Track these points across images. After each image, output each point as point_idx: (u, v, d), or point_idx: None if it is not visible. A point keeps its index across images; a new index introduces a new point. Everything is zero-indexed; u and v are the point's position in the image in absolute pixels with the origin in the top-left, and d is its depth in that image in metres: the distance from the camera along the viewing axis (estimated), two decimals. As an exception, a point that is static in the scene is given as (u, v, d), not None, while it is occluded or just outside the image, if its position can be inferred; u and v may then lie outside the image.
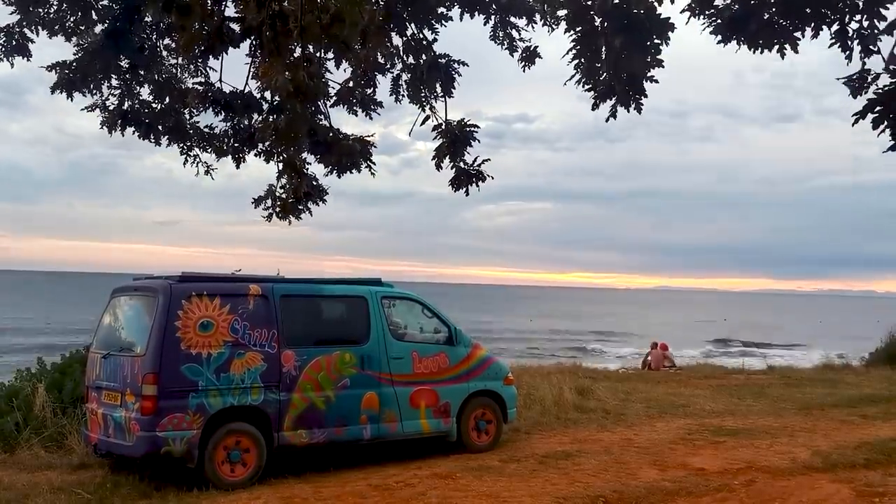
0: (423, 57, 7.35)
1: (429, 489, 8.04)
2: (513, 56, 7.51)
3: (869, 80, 5.02)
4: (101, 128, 7.96)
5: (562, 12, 5.83)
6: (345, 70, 7.66)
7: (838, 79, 5.10)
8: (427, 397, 9.71)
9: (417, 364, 9.71)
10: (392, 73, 7.70)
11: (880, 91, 4.99)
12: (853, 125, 5.05)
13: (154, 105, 8.02)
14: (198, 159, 8.53)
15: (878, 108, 4.97)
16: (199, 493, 7.95)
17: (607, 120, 6.05)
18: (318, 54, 7.11)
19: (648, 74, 5.83)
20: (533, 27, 7.33)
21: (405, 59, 7.49)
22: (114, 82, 7.70)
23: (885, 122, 4.99)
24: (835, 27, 5.11)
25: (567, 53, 5.82)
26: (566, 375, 16.03)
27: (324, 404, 8.90)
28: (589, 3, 5.71)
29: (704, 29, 5.45)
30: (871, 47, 5.02)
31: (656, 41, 5.60)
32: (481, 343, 10.83)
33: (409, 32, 7.21)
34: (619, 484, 8.30)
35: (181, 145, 8.31)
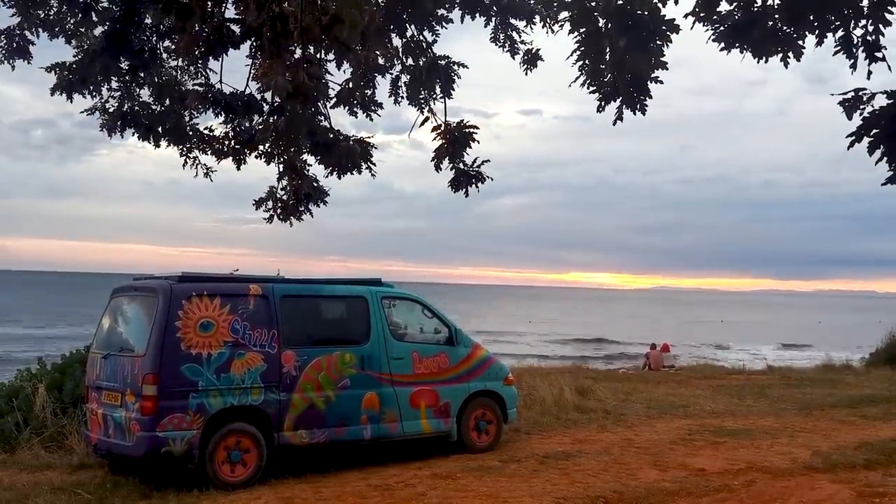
0: (423, 58, 7.35)
1: (429, 489, 8.03)
2: (514, 59, 7.50)
3: (864, 99, 4.84)
4: (101, 130, 7.97)
5: (565, 14, 5.81)
6: (345, 71, 7.66)
7: (832, 94, 5.00)
8: (427, 397, 9.71)
9: (418, 364, 9.70)
10: (392, 74, 7.70)
11: (875, 112, 4.79)
12: (848, 148, 4.86)
13: (154, 107, 8.02)
14: (198, 161, 8.53)
15: (873, 132, 4.75)
16: (199, 494, 7.95)
17: (615, 122, 6.02)
18: (318, 55, 7.11)
19: (653, 76, 5.82)
20: (532, 28, 7.32)
21: (405, 60, 7.48)
22: (114, 84, 7.71)
23: (882, 148, 4.76)
24: (839, 34, 5.01)
25: (571, 55, 5.81)
26: (566, 376, 16.04)
27: (324, 404, 8.89)
28: (593, 4, 5.70)
29: (709, 37, 5.40)
30: (876, 54, 4.92)
31: (660, 42, 5.58)
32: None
33: (408, 34, 7.21)
34: (620, 484, 8.29)
35: (181, 147, 8.30)
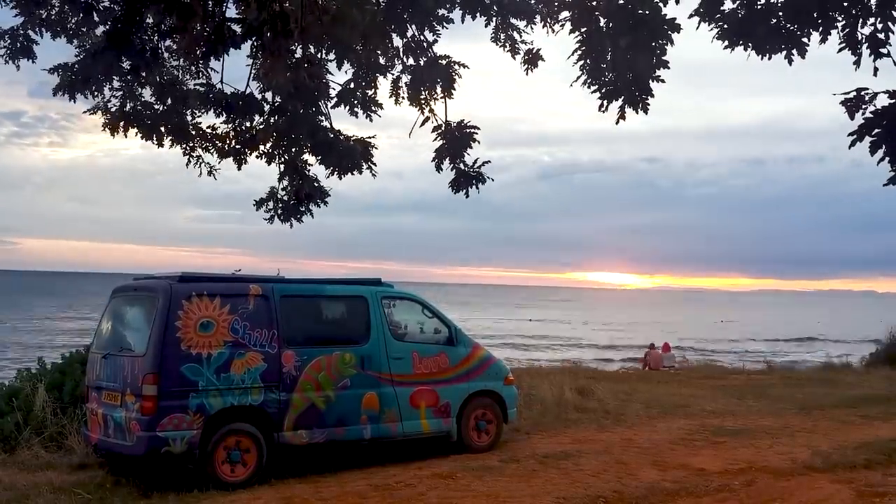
0: (424, 58, 7.34)
1: (429, 489, 8.04)
2: (514, 59, 7.48)
3: (866, 99, 4.81)
4: (104, 129, 7.97)
5: (566, 13, 5.82)
6: (346, 71, 7.66)
7: (834, 94, 4.96)
8: (427, 397, 9.70)
9: (418, 364, 9.70)
10: (392, 74, 7.70)
11: (878, 111, 4.75)
12: (850, 147, 4.82)
13: (156, 106, 8.02)
14: (200, 160, 8.54)
15: (875, 132, 4.72)
16: (199, 494, 7.95)
17: (617, 122, 6.02)
18: (318, 55, 7.11)
19: (654, 75, 5.82)
20: (532, 28, 7.31)
21: (405, 60, 7.48)
22: (115, 84, 7.71)
23: (884, 147, 4.71)
24: (845, 31, 4.99)
25: (573, 54, 5.81)
26: (566, 375, 16.05)
27: (324, 404, 8.89)
28: (594, 3, 5.70)
29: (713, 35, 5.39)
30: (881, 50, 4.90)
31: (661, 42, 5.58)
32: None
33: (409, 34, 7.20)
34: (620, 484, 8.30)
35: (184, 146, 8.31)
